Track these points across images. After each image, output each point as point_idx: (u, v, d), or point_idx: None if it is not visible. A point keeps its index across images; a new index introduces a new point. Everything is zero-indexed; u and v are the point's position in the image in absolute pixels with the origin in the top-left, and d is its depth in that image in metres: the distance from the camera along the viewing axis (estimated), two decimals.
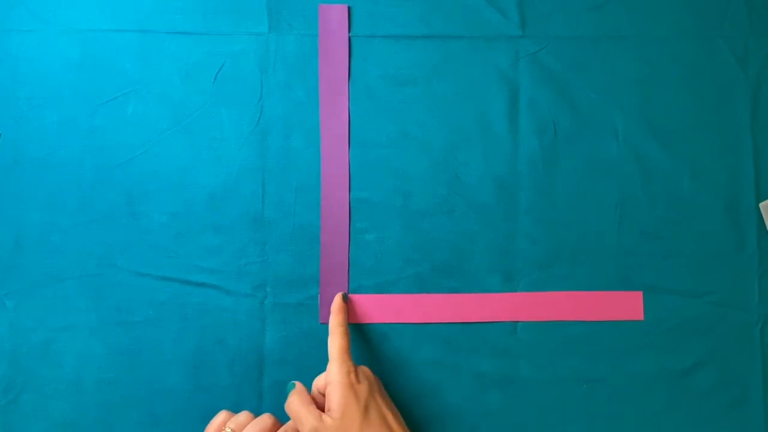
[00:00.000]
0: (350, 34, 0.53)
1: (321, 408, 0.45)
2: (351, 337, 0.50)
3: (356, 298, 0.51)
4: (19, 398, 0.50)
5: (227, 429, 0.44)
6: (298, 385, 0.46)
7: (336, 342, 0.46)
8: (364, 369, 0.46)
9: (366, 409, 0.43)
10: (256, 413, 0.46)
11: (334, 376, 0.44)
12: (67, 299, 0.50)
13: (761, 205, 0.52)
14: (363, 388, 0.44)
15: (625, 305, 0.51)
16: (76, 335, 0.50)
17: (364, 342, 0.51)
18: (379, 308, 0.51)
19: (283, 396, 0.49)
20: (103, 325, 0.50)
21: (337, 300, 0.49)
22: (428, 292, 0.51)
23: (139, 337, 0.50)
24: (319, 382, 0.47)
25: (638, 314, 0.51)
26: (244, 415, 0.45)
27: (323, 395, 0.46)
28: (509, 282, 0.51)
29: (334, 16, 0.52)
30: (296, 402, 0.44)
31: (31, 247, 0.51)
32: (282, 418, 0.47)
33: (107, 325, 0.50)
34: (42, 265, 0.50)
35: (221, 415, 0.46)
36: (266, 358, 0.50)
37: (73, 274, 0.50)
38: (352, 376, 0.44)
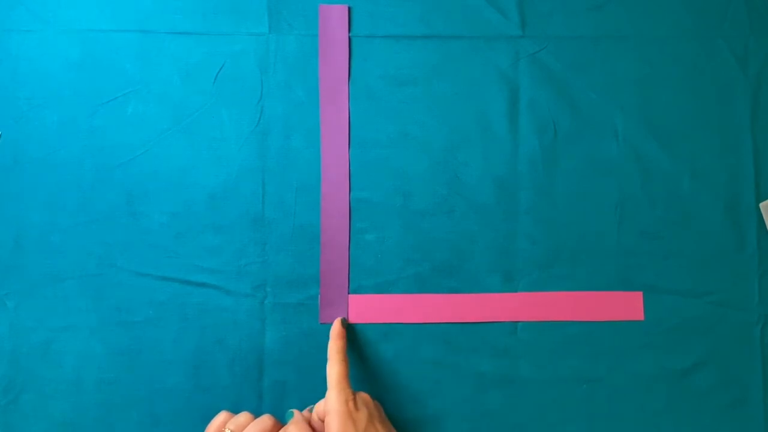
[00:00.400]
0: (350, 34, 0.53)
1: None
2: (351, 338, 0.51)
3: (356, 298, 0.51)
4: (19, 398, 0.50)
5: (227, 430, 0.44)
6: (296, 414, 0.45)
7: (334, 369, 0.45)
8: (364, 396, 0.46)
9: None
10: (256, 413, 0.46)
11: (332, 404, 0.44)
12: (67, 299, 0.50)
13: (761, 205, 0.52)
14: (362, 417, 0.43)
15: (625, 305, 0.51)
16: (76, 335, 0.50)
17: (364, 342, 0.51)
18: (379, 308, 0.51)
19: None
20: (103, 325, 0.50)
21: (336, 326, 0.49)
22: (428, 292, 0.51)
23: (139, 337, 0.50)
24: (319, 408, 0.46)
25: (638, 314, 0.51)
26: (243, 416, 0.45)
27: (323, 422, 0.45)
28: (509, 282, 0.51)
29: (334, 16, 0.52)
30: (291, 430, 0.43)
31: (31, 247, 0.51)
32: (281, 418, 0.47)
33: (107, 325, 0.50)
34: (42, 265, 0.50)
35: (221, 416, 0.46)
36: (266, 358, 0.50)
37: (73, 274, 0.50)
38: (351, 404, 0.44)
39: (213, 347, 0.50)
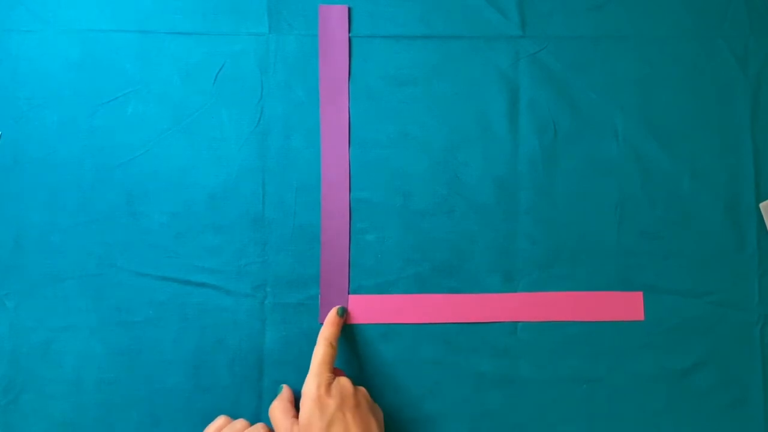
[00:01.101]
0: (350, 35, 0.53)
1: None
2: (352, 338, 0.51)
3: (356, 298, 0.51)
4: (19, 398, 0.50)
5: None
6: (285, 390, 0.47)
7: (317, 353, 0.46)
8: (343, 382, 0.45)
9: (329, 425, 0.43)
10: (256, 413, 0.46)
11: (306, 387, 0.45)
12: (67, 299, 0.50)
13: (761, 205, 0.52)
14: (331, 403, 0.43)
15: (625, 305, 0.51)
16: (76, 335, 0.50)
17: (365, 342, 0.51)
18: (379, 308, 0.51)
19: None
20: (103, 325, 0.50)
21: (331, 314, 0.49)
22: (428, 292, 0.51)
23: (139, 337, 0.50)
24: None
25: (638, 314, 0.51)
26: (240, 423, 0.45)
27: None
28: (509, 282, 0.51)
29: (334, 17, 0.52)
30: (276, 409, 0.45)
31: (31, 247, 0.51)
32: None
33: (107, 325, 0.50)
34: (42, 265, 0.50)
35: (219, 420, 0.46)
36: (266, 358, 0.50)
37: (73, 274, 0.50)
38: (322, 389, 0.44)
39: (213, 347, 0.50)
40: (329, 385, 0.44)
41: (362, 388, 0.46)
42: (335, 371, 0.47)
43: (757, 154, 0.52)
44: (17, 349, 0.50)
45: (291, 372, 0.50)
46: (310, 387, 0.44)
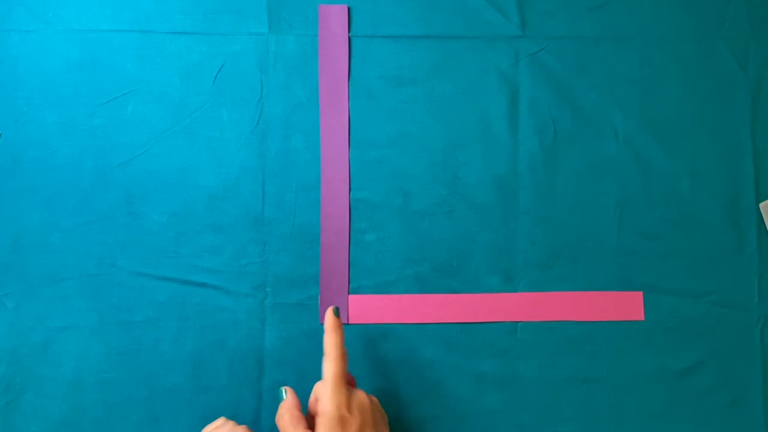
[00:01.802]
0: (350, 35, 0.53)
1: (315, 416, 0.43)
2: (352, 337, 0.51)
3: (356, 298, 0.51)
4: (19, 398, 0.50)
5: None
6: (289, 395, 0.44)
7: (331, 367, 0.43)
8: (360, 397, 0.43)
9: None
10: (256, 413, 0.46)
11: (325, 406, 0.42)
12: (67, 299, 0.50)
13: (761, 205, 0.52)
14: (354, 422, 0.41)
15: (625, 305, 0.51)
16: (76, 335, 0.50)
17: (365, 342, 0.51)
18: (379, 308, 0.51)
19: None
20: (103, 325, 0.50)
21: (330, 318, 0.46)
22: (428, 292, 0.51)
23: (139, 337, 0.50)
24: (317, 389, 0.44)
25: (638, 314, 0.51)
26: (243, 429, 0.44)
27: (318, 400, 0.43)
28: (509, 282, 0.51)
29: (334, 17, 0.52)
30: (286, 419, 0.42)
31: (31, 247, 0.51)
32: None
33: (107, 325, 0.50)
34: (42, 265, 0.50)
35: (219, 422, 0.45)
36: (266, 358, 0.50)
37: (73, 274, 0.50)
38: (344, 409, 0.42)
39: (213, 347, 0.50)
40: (349, 403, 0.42)
41: (374, 399, 0.45)
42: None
43: (757, 154, 0.52)
44: (17, 349, 0.50)
45: (291, 372, 0.50)
46: (330, 407, 0.42)
